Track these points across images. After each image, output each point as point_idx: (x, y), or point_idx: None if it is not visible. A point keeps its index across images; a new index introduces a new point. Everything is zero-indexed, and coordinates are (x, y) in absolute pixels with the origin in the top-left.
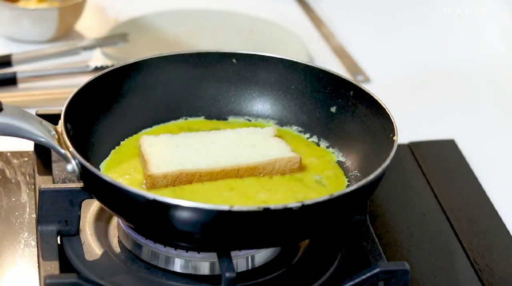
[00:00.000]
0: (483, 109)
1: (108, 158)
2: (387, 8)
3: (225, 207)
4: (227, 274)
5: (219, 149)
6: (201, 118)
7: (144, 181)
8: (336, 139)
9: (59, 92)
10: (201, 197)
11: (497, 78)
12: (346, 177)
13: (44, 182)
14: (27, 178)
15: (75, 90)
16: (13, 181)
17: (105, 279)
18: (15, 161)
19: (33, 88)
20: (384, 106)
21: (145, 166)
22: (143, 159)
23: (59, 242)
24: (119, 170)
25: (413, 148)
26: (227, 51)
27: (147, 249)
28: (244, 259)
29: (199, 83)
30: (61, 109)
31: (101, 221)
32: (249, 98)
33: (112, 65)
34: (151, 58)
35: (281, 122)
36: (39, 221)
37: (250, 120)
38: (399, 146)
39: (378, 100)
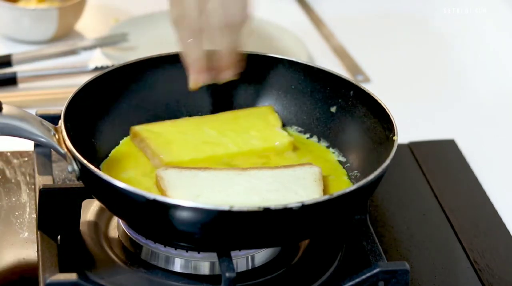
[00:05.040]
0: (483, 109)
1: (108, 158)
2: (387, 8)
3: (225, 207)
4: (227, 274)
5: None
6: None
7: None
8: (336, 139)
9: (59, 92)
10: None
11: (497, 78)
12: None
13: (44, 182)
14: (27, 178)
15: (75, 90)
16: (13, 181)
17: (105, 279)
18: (15, 161)
19: (33, 88)
20: (384, 106)
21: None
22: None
23: (59, 242)
24: (119, 169)
25: (413, 148)
26: None
27: (147, 249)
28: (244, 259)
29: None
30: (61, 109)
31: (101, 221)
32: (249, 98)
33: (112, 65)
34: (151, 58)
35: (281, 122)
36: (39, 220)
37: None
38: (399, 146)
39: (378, 100)
